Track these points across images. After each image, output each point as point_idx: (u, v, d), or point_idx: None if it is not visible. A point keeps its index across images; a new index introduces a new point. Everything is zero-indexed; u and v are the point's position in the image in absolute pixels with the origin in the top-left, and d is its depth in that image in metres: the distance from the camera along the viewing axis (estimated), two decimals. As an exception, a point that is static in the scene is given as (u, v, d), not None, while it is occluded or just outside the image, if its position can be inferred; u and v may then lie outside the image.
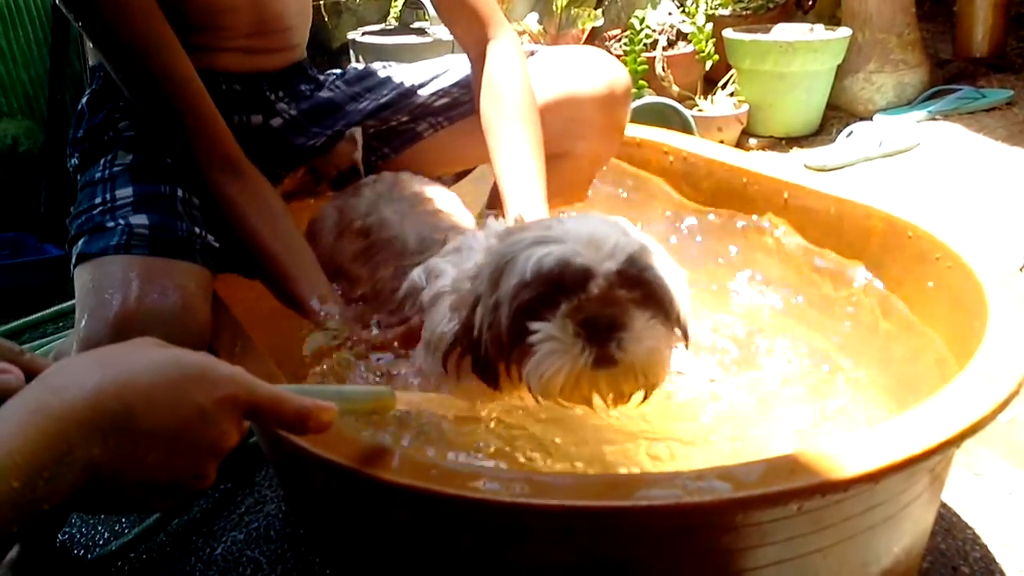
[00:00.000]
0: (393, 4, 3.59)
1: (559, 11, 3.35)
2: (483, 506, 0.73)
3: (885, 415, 1.12)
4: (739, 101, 3.01)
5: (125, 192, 1.24)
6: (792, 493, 0.70)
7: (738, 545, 0.77)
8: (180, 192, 1.27)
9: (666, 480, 0.72)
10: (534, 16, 3.38)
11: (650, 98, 2.78)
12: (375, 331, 1.19)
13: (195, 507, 1.39)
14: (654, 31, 3.07)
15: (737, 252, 1.54)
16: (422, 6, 3.49)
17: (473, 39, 1.44)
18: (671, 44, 3.10)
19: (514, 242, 0.94)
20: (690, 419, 1.06)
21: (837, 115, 3.16)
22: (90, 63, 1.46)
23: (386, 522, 0.90)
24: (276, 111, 1.50)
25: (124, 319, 1.07)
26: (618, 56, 2.78)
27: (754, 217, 1.53)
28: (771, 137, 3.07)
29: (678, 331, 0.94)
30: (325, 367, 1.17)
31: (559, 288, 0.88)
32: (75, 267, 1.18)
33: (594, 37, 3.40)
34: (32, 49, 2.62)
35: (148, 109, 1.27)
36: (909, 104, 3.09)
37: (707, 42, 2.99)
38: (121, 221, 1.18)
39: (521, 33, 3.16)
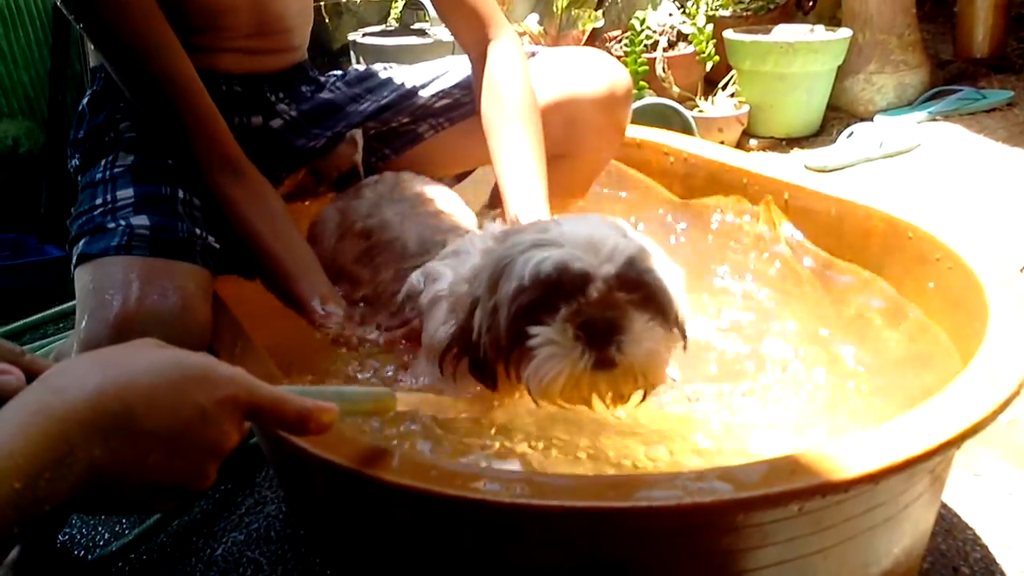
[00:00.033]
0: (394, 5, 3.59)
1: (559, 12, 3.35)
2: (483, 507, 0.73)
3: (887, 415, 1.12)
4: (739, 102, 3.01)
5: (126, 193, 1.24)
6: (793, 494, 0.70)
7: (739, 546, 0.77)
8: (181, 193, 1.27)
9: (666, 481, 0.72)
10: (534, 17, 3.38)
11: (651, 99, 2.78)
12: (375, 334, 1.19)
13: (195, 508, 1.39)
14: (655, 32, 3.07)
15: (735, 251, 1.54)
16: (422, 7, 3.49)
17: (474, 40, 1.44)
18: (671, 45, 3.10)
19: (512, 244, 0.94)
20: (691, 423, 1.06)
21: (838, 116, 3.16)
22: (91, 64, 1.46)
23: (386, 523, 0.90)
24: (276, 112, 1.50)
25: (124, 320, 1.07)
26: (618, 57, 2.78)
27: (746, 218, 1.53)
28: (772, 138, 3.07)
29: (676, 331, 0.94)
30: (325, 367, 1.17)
31: (558, 292, 0.88)
32: (75, 268, 1.18)
33: (594, 38, 3.40)
34: (33, 50, 2.62)
35: (149, 110, 1.27)
36: (910, 105, 3.09)
37: (707, 43, 2.99)
38: (122, 222, 1.18)
39: (521, 34, 3.16)
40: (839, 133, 2.91)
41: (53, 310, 2.12)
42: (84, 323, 1.09)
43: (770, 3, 3.28)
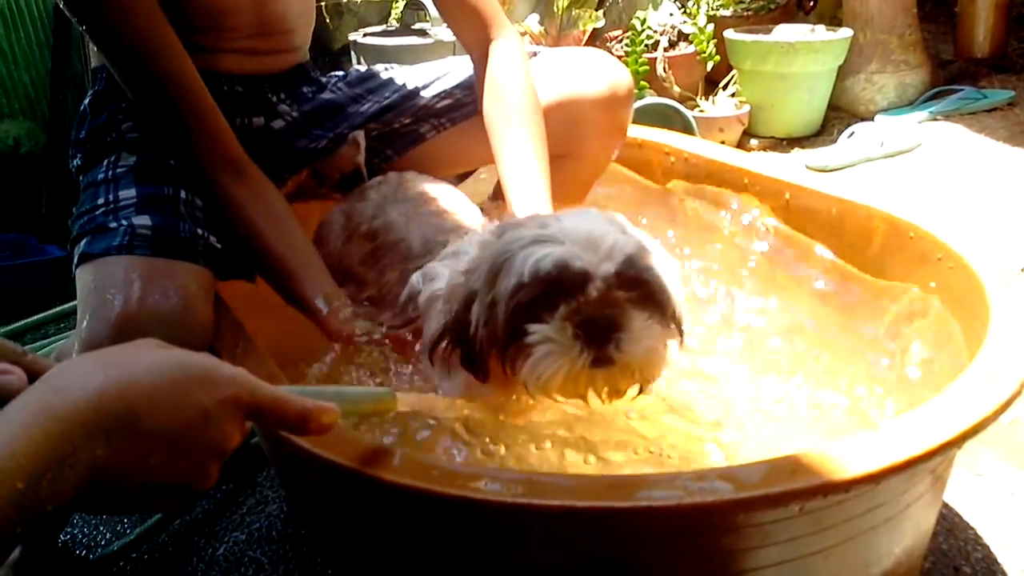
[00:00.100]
0: (394, 5, 3.59)
1: (560, 12, 3.35)
2: (484, 507, 0.73)
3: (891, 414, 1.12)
4: (740, 102, 3.01)
5: (128, 193, 1.24)
6: (793, 494, 0.70)
7: (739, 546, 0.77)
8: (183, 194, 1.27)
9: (667, 481, 0.72)
10: (535, 17, 3.38)
11: (651, 99, 2.78)
12: (378, 333, 1.19)
13: (197, 507, 1.40)
14: (655, 32, 3.07)
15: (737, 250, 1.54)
16: (423, 7, 3.49)
17: (476, 40, 1.44)
18: (672, 45, 3.10)
19: (511, 240, 0.94)
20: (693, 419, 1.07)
21: (838, 116, 3.16)
22: (92, 64, 1.46)
23: (387, 522, 0.90)
24: (278, 113, 1.50)
25: (126, 319, 1.07)
26: (619, 57, 2.78)
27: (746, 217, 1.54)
28: (772, 138, 3.07)
29: (674, 327, 0.94)
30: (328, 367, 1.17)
31: (557, 290, 0.88)
32: (77, 267, 1.18)
33: (595, 38, 3.40)
34: (34, 50, 2.62)
35: (151, 110, 1.27)
36: (910, 105, 3.09)
37: (708, 43, 2.99)
38: (124, 222, 1.18)
39: (522, 34, 3.16)
40: (840, 133, 2.91)
41: (54, 310, 2.12)
42: (85, 323, 1.09)
43: (771, 3, 3.29)
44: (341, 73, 1.63)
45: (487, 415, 1.01)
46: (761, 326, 1.38)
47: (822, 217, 1.41)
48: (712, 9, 3.18)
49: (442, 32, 3.32)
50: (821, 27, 3.06)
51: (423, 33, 3.43)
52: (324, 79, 1.60)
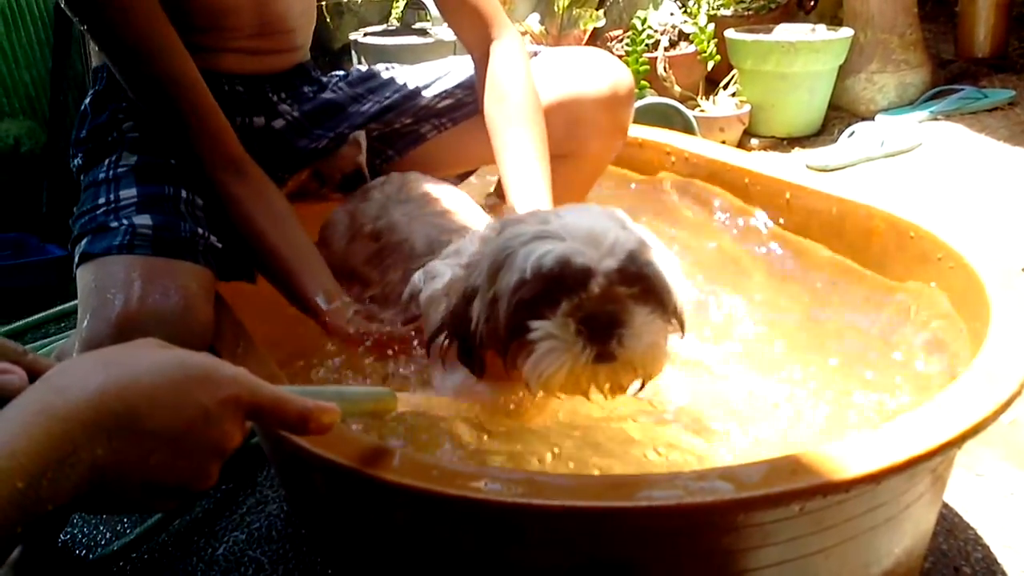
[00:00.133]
0: (395, 5, 3.59)
1: (561, 12, 3.35)
2: (484, 507, 0.73)
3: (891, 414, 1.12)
4: (741, 101, 3.01)
5: (129, 193, 1.24)
6: (794, 494, 0.70)
7: (740, 546, 0.77)
8: (184, 193, 1.27)
9: (667, 481, 0.72)
10: (536, 17, 3.38)
11: (652, 99, 2.78)
12: (379, 331, 1.19)
13: (197, 507, 1.40)
14: (656, 31, 3.07)
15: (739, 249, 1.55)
16: (424, 7, 3.49)
17: (477, 39, 1.44)
18: (673, 44, 3.10)
19: (512, 236, 0.94)
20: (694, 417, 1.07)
21: (839, 115, 3.16)
22: (93, 64, 1.46)
23: (387, 522, 0.90)
24: (278, 113, 1.50)
25: (126, 319, 1.07)
26: (620, 57, 2.78)
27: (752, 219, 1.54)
28: (773, 137, 3.07)
29: (675, 322, 0.95)
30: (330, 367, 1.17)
31: (559, 286, 0.88)
32: (78, 267, 1.18)
33: (596, 38, 3.40)
34: (34, 50, 2.62)
35: (152, 110, 1.27)
36: (911, 104, 3.09)
37: (709, 42, 2.99)
38: (124, 221, 1.18)
39: (523, 34, 3.16)
40: (840, 132, 2.90)
41: (55, 309, 2.12)
42: (86, 322, 1.09)
43: (771, 2, 3.28)
44: (342, 73, 1.63)
45: (488, 418, 1.01)
46: (761, 325, 1.38)
47: (823, 217, 1.41)
48: (713, 9, 3.18)
49: (443, 31, 3.32)
50: (822, 27, 3.06)
51: (424, 33, 3.43)
52: (325, 79, 1.60)
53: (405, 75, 1.59)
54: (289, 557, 1.26)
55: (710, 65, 3.03)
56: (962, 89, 3.06)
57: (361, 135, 1.52)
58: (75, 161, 1.38)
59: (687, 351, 1.13)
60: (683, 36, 3.12)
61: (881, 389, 1.16)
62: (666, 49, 3.05)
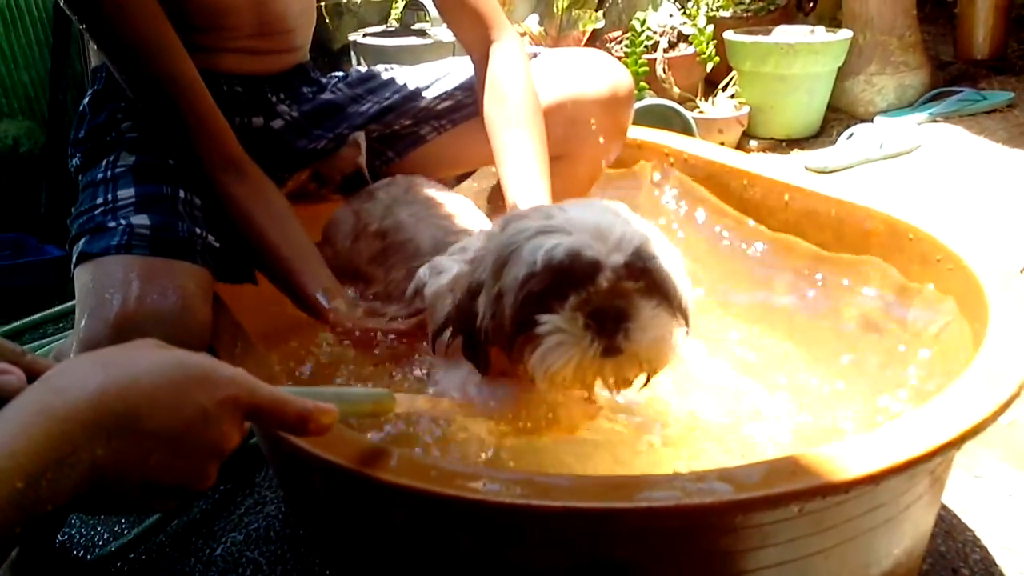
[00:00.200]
0: (394, 6, 3.59)
1: (560, 13, 3.35)
2: (483, 507, 0.73)
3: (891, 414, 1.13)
4: (740, 103, 3.01)
5: (127, 193, 1.24)
6: (793, 495, 0.70)
7: (739, 547, 0.77)
8: (182, 193, 1.27)
9: (666, 482, 0.72)
10: (535, 18, 3.38)
11: (651, 100, 2.78)
12: (382, 325, 1.19)
13: (195, 508, 1.40)
14: (655, 33, 3.07)
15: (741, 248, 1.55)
16: (423, 8, 3.49)
17: (476, 41, 1.44)
18: (672, 46, 3.10)
19: (517, 231, 0.94)
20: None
21: (838, 117, 3.16)
22: (92, 64, 1.46)
23: (386, 523, 0.90)
24: (277, 113, 1.50)
25: (124, 319, 1.07)
26: (619, 58, 2.78)
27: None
28: (772, 139, 3.07)
29: (680, 317, 0.95)
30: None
31: (567, 280, 0.88)
32: (76, 267, 1.18)
33: (595, 39, 3.40)
34: (33, 50, 2.62)
35: (150, 109, 1.27)
36: (910, 106, 3.09)
37: (708, 44, 2.99)
38: (122, 221, 1.18)
39: (522, 35, 3.16)
40: (839, 134, 2.91)
41: (53, 309, 2.12)
42: (84, 322, 1.09)
43: (770, 4, 3.29)
44: (341, 73, 1.63)
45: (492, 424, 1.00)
46: (761, 325, 1.38)
47: (821, 218, 1.41)
48: (712, 10, 3.18)
49: (442, 32, 3.32)
50: (821, 28, 3.06)
51: (423, 33, 3.43)
52: (324, 79, 1.60)
53: (405, 76, 1.59)
54: (287, 558, 1.26)
55: (709, 67, 3.03)
56: (961, 91, 3.06)
57: (361, 136, 1.52)
58: (73, 161, 1.38)
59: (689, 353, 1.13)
60: (682, 37, 3.12)
61: (880, 390, 1.17)
62: (665, 51, 3.05)
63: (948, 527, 1.21)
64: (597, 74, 1.48)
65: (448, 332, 1.00)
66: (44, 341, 1.97)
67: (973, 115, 2.96)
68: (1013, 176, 2.48)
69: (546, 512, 0.70)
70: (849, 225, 1.36)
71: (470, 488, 0.73)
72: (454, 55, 1.72)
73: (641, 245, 0.90)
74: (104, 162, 1.31)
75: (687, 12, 3.16)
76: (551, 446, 0.99)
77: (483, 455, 0.98)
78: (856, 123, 2.98)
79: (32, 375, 0.61)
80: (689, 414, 1.07)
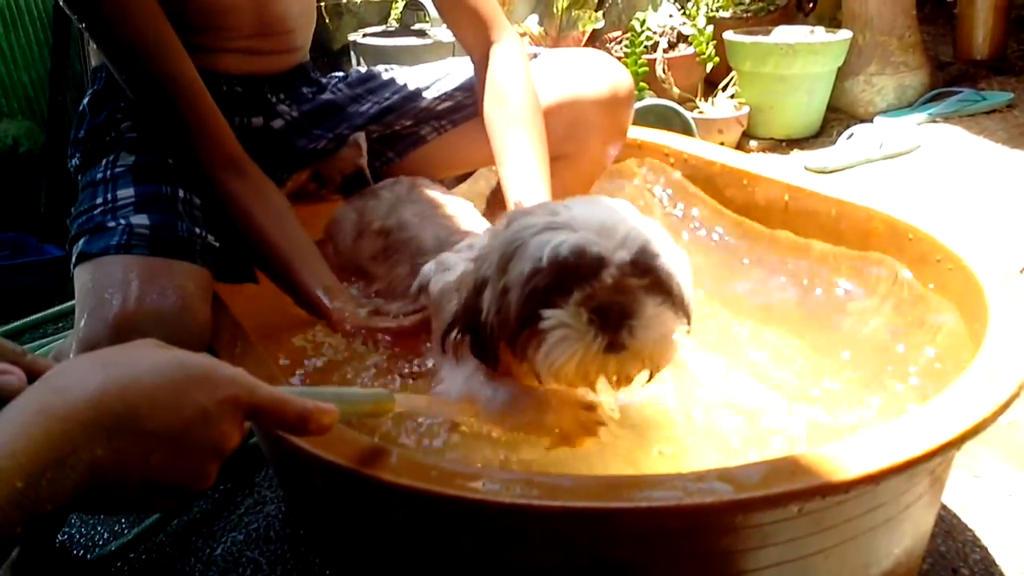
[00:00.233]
0: (394, 6, 3.59)
1: (560, 13, 3.35)
2: (483, 507, 0.73)
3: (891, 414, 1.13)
4: (740, 103, 3.01)
5: (126, 192, 1.24)
6: (793, 495, 0.70)
7: (739, 546, 0.77)
8: (181, 193, 1.27)
9: (667, 481, 0.72)
10: (534, 18, 3.38)
11: (651, 100, 2.78)
12: (386, 323, 1.19)
13: (195, 507, 1.40)
14: (655, 33, 3.07)
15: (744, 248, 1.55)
16: (423, 8, 3.49)
17: (476, 41, 1.44)
18: (672, 46, 3.10)
19: (522, 227, 0.94)
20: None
21: (838, 117, 3.16)
22: (92, 64, 1.46)
23: (386, 523, 0.90)
24: (277, 113, 1.50)
25: (124, 319, 1.07)
26: (619, 58, 2.78)
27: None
28: (772, 139, 3.07)
29: (683, 315, 0.95)
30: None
31: (572, 275, 0.88)
32: (75, 267, 1.18)
33: (595, 39, 3.40)
34: (33, 50, 2.62)
35: (150, 109, 1.27)
36: (910, 106, 3.09)
37: (708, 44, 2.99)
38: (122, 221, 1.18)
39: (522, 35, 3.16)
40: (839, 134, 2.91)
41: (53, 309, 2.12)
42: (83, 322, 1.09)
43: (770, 4, 3.29)
44: (341, 74, 1.63)
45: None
46: (759, 325, 1.38)
47: (821, 218, 1.41)
48: (711, 10, 3.18)
49: (442, 33, 3.32)
50: (820, 29, 3.06)
51: (423, 34, 3.43)
52: (324, 80, 1.60)
53: (405, 76, 1.59)
54: (287, 558, 1.26)
55: (709, 67, 3.03)
56: (961, 91, 3.06)
57: (361, 137, 1.53)
58: (73, 161, 1.38)
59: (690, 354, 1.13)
60: (682, 38, 3.12)
61: (880, 388, 1.17)
62: (665, 51, 3.05)
63: (948, 527, 1.21)
64: (597, 74, 1.48)
65: (456, 332, 1.00)
66: (44, 341, 1.97)
67: (973, 115, 2.96)
68: (1013, 176, 2.48)
69: (546, 512, 0.70)
70: (849, 225, 1.36)
71: (470, 488, 0.73)
72: (454, 55, 1.72)
73: (646, 243, 0.90)
74: (104, 162, 1.31)
75: (687, 12, 3.16)
76: (554, 458, 0.99)
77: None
78: (856, 123, 2.98)
79: (32, 375, 0.61)
80: (688, 418, 1.07)
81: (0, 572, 1.05)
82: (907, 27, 3.11)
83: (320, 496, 1.03)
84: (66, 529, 1.37)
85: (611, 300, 0.87)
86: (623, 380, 0.93)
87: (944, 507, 1.23)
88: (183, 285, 1.14)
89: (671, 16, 3.18)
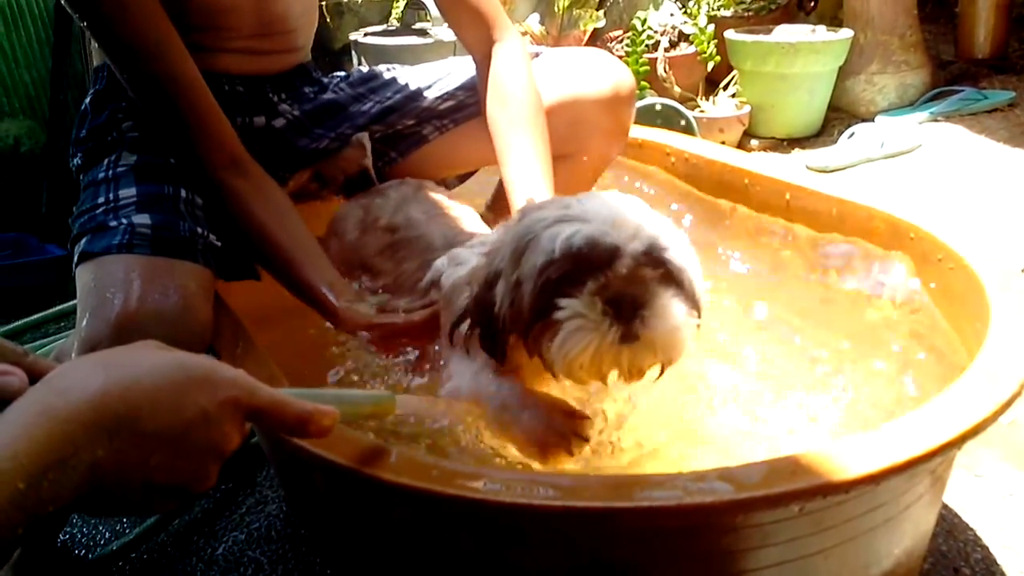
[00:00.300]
0: (395, 5, 3.59)
1: (561, 12, 3.35)
2: (484, 507, 0.73)
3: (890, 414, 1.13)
4: (741, 102, 3.01)
5: (128, 192, 1.24)
6: (793, 494, 0.70)
7: (739, 546, 0.77)
8: (183, 192, 1.27)
9: (667, 481, 0.72)
10: (536, 17, 3.38)
11: (652, 99, 2.78)
12: (394, 319, 1.19)
13: (196, 507, 1.40)
14: (656, 32, 3.07)
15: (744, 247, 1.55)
16: (424, 7, 3.49)
17: (477, 41, 1.44)
18: (673, 45, 3.10)
19: (535, 220, 0.94)
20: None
21: (839, 116, 3.16)
22: (93, 63, 1.46)
23: (386, 522, 0.90)
24: (279, 112, 1.50)
25: (125, 319, 1.07)
26: (620, 57, 2.78)
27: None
28: (773, 138, 3.07)
29: (694, 309, 0.95)
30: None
31: (586, 266, 0.88)
32: (77, 266, 1.18)
33: (596, 38, 3.40)
34: (34, 49, 2.62)
35: (151, 108, 1.27)
36: (911, 105, 3.09)
37: (709, 43, 2.99)
38: (124, 220, 1.18)
39: (523, 34, 3.16)
40: (840, 133, 2.91)
41: (54, 309, 2.12)
42: (85, 322, 1.09)
43: (771, 3, 3.29)
44: (343, 73, 1.63)
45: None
46: (761, 324, 1.38)
47: (822, 218, 1.41)
48: (713, 9, 3.18)
49: (443, 32, 3.32)
50: (822, 28, 3.06)
51: (424, 33, 3.43)
52: (326, 79, 1.60)
53: (407, 76, 1.58)
54: (288, 557, 1.26)
55: (710, 66, 3.03)
56: (962, 90, 3.06)
57: (365, 138, 1.53)
58: (75, 161, 1.38)
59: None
60: (683, 37, 3.12)
61: (878, 389, 1.17)
62: (666, 50, 3.05)
63: (949, 526, 1.21)
64: (599, 74, 1.48)
65: (466, 325, 1.01)
66: (45, 341, 1.97)
67: (974, 114, 2.96)
68: (1014, 175, 2.48)
69: (546, 512, 0.70)
70: (850, 224, 1.36)
71: (470, 488, 0.73)
72: (455, 55, 1.72)
73: (658, 234, 0.91)
74: (105, 161, 1.31)
75: (688, 11, 3.16)
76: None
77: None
78: (857, 122, 2.98)
79: (34, 376, 0.61)
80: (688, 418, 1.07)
81: (2, 572, 1.05)
82: (908, 26, 3.11)
83: (321, 496, 1.03)
84: (67, 529, 1.37)
85: (625, 290, 0.88)
86: (635, 373, 0.93)
87: (945, 506, 1.23)
88: (185, 285, 1.14)
89: (672, 15, 3.18)
